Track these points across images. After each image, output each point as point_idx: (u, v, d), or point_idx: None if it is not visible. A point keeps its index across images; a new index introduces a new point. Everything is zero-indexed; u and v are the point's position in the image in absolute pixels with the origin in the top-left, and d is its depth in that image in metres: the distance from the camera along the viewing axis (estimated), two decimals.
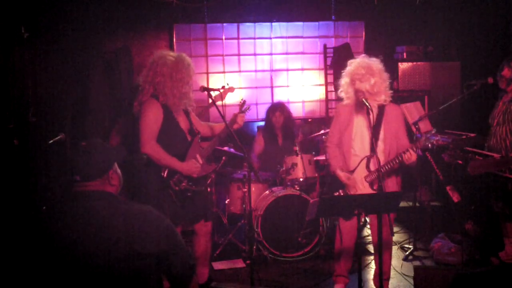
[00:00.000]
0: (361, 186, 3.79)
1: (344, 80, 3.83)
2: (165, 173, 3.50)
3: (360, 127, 3.81)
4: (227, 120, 3.76)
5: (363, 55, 3.93)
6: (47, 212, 2.06)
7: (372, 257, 4.75)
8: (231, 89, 4.47)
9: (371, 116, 3.60)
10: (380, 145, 3.77)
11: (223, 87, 4.39)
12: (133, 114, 3.63)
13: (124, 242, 1.93)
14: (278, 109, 5.76)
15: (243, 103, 3.93)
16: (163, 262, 2.02)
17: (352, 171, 3.81)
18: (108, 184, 2.09)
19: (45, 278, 1.91)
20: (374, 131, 3.69)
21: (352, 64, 3.78)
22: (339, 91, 3.93)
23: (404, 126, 3.92)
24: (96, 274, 1.90)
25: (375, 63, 3.76)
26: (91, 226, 1.94)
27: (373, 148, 3.64)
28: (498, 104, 4.50)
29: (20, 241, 1.99)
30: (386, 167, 3.68)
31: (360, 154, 3.80)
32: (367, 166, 3.77)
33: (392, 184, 3.81)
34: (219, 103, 5.81)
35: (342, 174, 3.81)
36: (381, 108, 3.80)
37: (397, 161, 3.65)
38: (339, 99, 4.08)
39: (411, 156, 3.58)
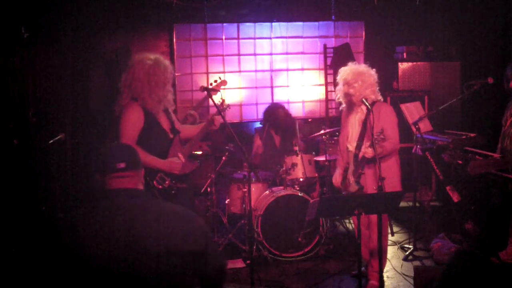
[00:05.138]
0: (351, 181, 4.03)
1: (338, 86, 4.13)
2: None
3: (352, 127, 4.08)
4: (206, 120, 3.87)
5: (353, 62, 4.21)
6: (80, 212, 2.02)
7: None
8: (224, 82, 4.47)
9: (371, 116, 3.74)
10: (366, 142, 3.90)
11: (215, 81, 4.41)
12: (115, 118, 3.62)
13: (161, 240, 1.92)
14: (280, 107, 5.85)
15: (221, 102, 3.97)
16: (197, 261, 2.01)
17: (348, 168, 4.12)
18: (140, 180, 2.08)
19: (78, 278, 1.89)
20: (362, 129, 3.95)
21: (342, 71, 4.09)
22: (337, 97, 4.20)
23: (392, 122, 3.98)
24: (134, 273, 1.89)
25: (361, 68, 4.04)
26: (127, 225, 1.92)
27: (358, 146, 3.94)
28: (510, 105, 4.45)
29: (41, 241, 1.95)
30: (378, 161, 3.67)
31: (353, 151, 4.05)
32: (355, 163, 4.00)
33: (370, 177, 3.93)
34: (218, 100, 5.81)
35: (335, 173, 4.24)
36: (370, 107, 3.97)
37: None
38: (339, 100, 4.19)
39: (366, 152, 3.80)
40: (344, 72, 4.04)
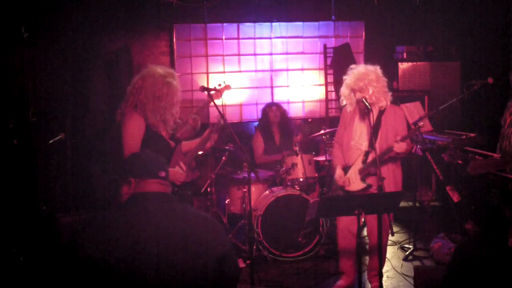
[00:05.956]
0: (354, 179, 3.92)
1: (345, 90, 3.94)
2: None
3: (360, 126, 3.95)
4: (202, 136, 3.79)
5: (361, 64, 4.02)
6: (112, 214, 2.01)
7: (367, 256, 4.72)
8: (228, 87, 4.46)
9: (371, 116, 3.69)
10: (377, 145, 3.84)
11: (219, 84, 4.39)
12: (116, 123, 3.59)
13: (193, 244, 1.92)
14: (274, 105, 5.96)
15: (221, 118, 3.94)
16: (221, 264, 1.99)
17: (350, 166, 3.97)
18: (169, 187, 2.16)
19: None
20: (374, 130, 3.80)
21: (351, 76, 3.88)
22: (341, 99, 4.04)
23: (405, 125, 3.97)
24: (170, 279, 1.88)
25: (372, 72, 3.85)
26: (166, 228, 1.94)
27: (372, 144, 3.78)
28: (510, 105, 4.44)
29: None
30: (377, 160, 3.60)
31: (358, 149, 3.95)
32: (364, 161, 3.89)
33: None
34: (218, 101, 5.80)
35: (337, 172, 4.02)
36: (382, 109, 3.92)
37: (388, 151, 3.75)
38: (339, 99, 4.14)
39: (399, 147, 3.68)
40: (356, 77, 3.83)
